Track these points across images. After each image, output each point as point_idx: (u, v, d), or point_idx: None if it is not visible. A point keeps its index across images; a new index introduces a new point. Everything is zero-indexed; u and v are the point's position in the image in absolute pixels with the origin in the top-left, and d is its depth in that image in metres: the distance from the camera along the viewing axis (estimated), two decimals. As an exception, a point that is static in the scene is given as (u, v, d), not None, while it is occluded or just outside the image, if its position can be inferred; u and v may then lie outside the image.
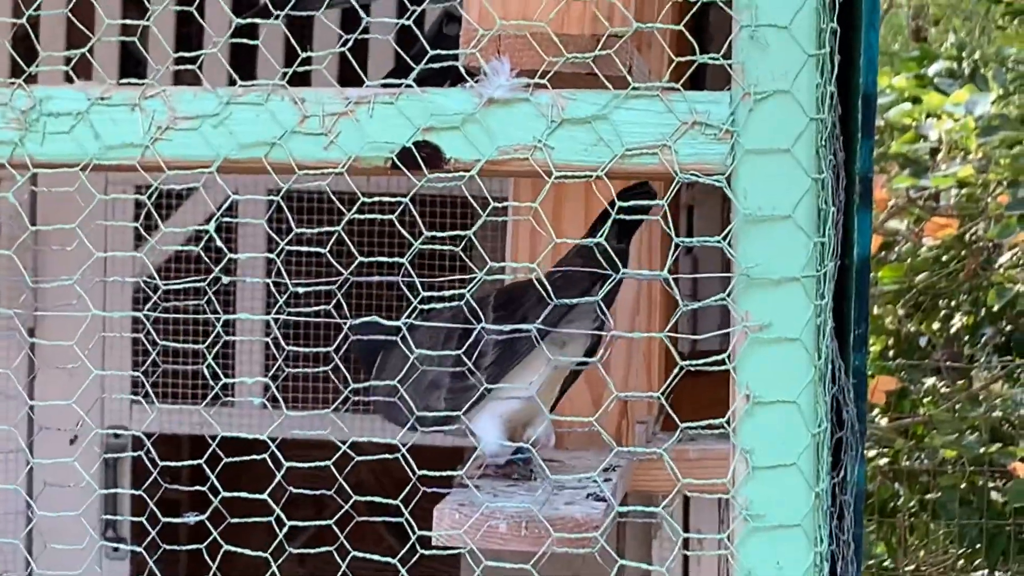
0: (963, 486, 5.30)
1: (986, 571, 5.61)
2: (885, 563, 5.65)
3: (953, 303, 5.64)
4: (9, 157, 1.00)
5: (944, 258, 5.42)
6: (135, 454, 1.49)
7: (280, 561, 1.05)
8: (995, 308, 5.37)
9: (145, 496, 1.05)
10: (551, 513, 1.12)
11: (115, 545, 2.76)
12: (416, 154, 0.99)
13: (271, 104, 1.00)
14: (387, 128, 0.99)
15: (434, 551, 1.09)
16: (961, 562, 5.56)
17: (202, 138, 1.00)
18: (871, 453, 5.18)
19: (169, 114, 1.00)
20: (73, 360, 1.19)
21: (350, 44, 1.07)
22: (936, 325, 5.77)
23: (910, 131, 5.32)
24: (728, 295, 0.98)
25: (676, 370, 1.09)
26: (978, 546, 5.38)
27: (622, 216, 1.09)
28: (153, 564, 1.18)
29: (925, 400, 5.89)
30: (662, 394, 1.16)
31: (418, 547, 1.03)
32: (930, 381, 5.80)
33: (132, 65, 2.77)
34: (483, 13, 1.09)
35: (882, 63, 6.31)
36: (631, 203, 1.07)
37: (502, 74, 1.00)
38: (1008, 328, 5.46)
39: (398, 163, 0.99)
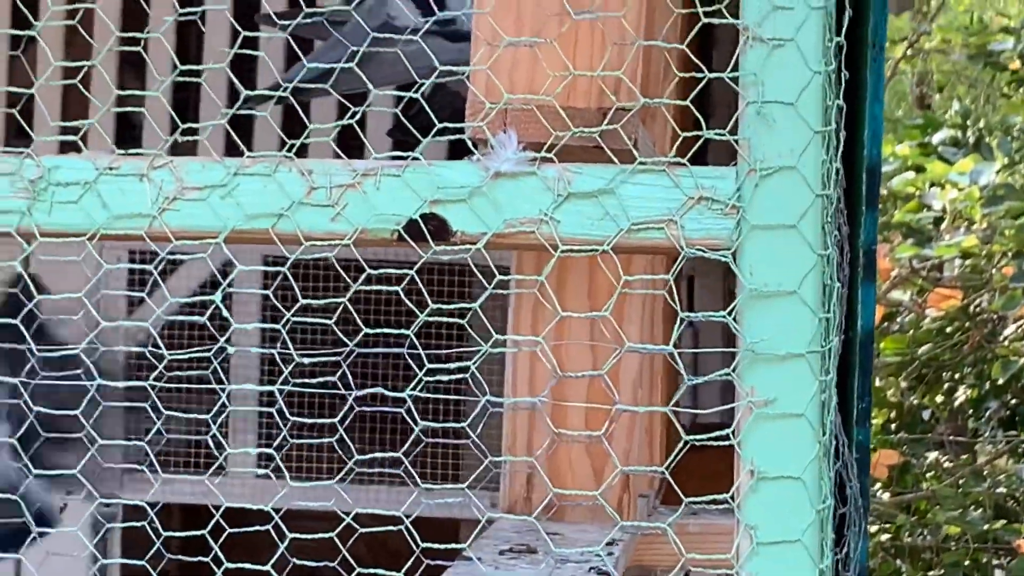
0: (967, 563, 5.28)
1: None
2: (889, 642, 5.62)
3: (957, 376, 5.65)
4: (17, 226, 1.02)
5: (948, 330, 5.45)
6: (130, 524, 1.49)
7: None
8: (1000, 381, 5.36)
9: (148, 566, 1.05)
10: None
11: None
12: (423, 226, 1.00)
13: (279, 175, 1.01)
14: (394, 200, 1.00)
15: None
16: (966, 641, 5.53)
17: (210, 208, 1.01)
18: (873, 528, 5.14)
19: (177, 184, 1.01)
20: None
21: (357, 117, 1.10)
22: (939, 398, 5.77)
23: (914, 200, 5.36)
24: (733, 370, 0.99)
25: (680, 445, 1.10)
26: (982, 624, 5.39)
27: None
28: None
29: (928, 475, 5.87)
30: (665, 469, 1.17)
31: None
32: (933, 455, 5.82)
33: (128, 128, 2.81)
34: (489, 86, 1.12)
35: (885, 131, 6.30)
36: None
37: (509, 147, 1.02)
38: (1013, 402, 5.47)
39: (405, 235, 1.00)
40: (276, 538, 0.99)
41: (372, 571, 1.02)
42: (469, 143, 1.06)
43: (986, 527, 5.24)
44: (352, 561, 1.06)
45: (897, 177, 5.52)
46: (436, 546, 1.05)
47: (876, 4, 1.87)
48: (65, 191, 1.02)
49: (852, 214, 1.61)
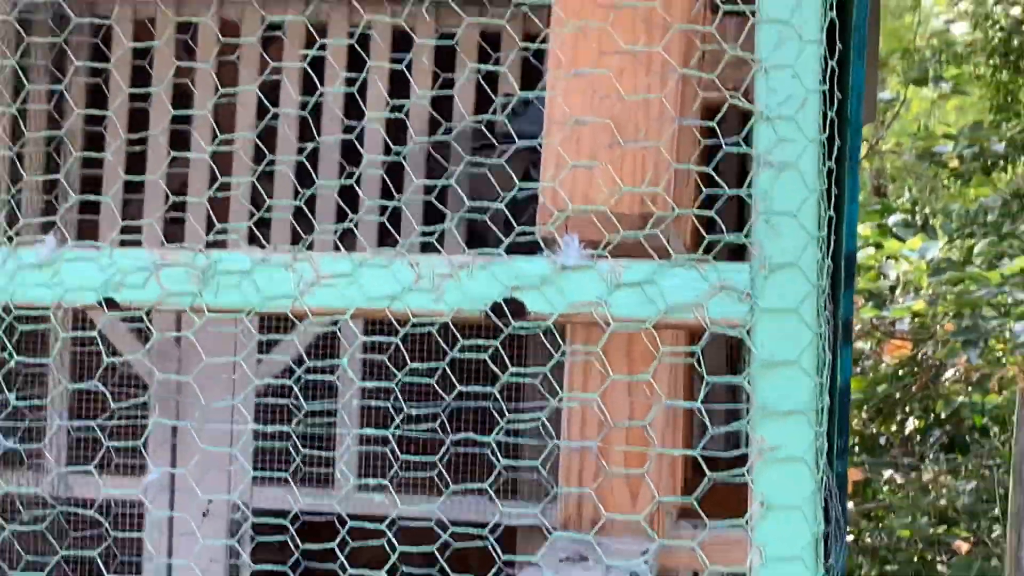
0: (915, 560, 5.52)
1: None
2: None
3: (907, 409, 5.80)
4: (190, 304, 1.08)
5: (900, 373, 5.65)
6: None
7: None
8: (942, 415, 5.66)
9: (288, 570, 1.08)
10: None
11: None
12: (505, 308, 1.06)
13: (393, 267, 1.08)
14: (483, 287, 1.06)
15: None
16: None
17: (339, 292, 1.09)
18: (841, 534, 5.36)
19: (314, 273, 1.08)
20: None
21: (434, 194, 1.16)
22: (893, 427, 6.01)
23: (873, 271, 5.46)
24: (747, 422, 1.03)
25: (705, 481, 1.12)
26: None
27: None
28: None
29: (884, 489, 6.12)
30: (695, 499, 1.19)
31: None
32: (888, 473, 5.99)
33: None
34: (556, 195, 1.17)
35: None
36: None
37: (572, 246, 1.06)
38: (952, 431, 5.50)
39: (491, 314, 1.06)
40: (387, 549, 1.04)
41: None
42: (540, 242, 1.09)
43: (931, 531, 5.48)
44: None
45: (860, 252, 5.45)
46: (511, 556, 1.08)
47: (853, 129, 1.92)
48: (228, 277, 1.10)
49: (834, 293, 1.64)
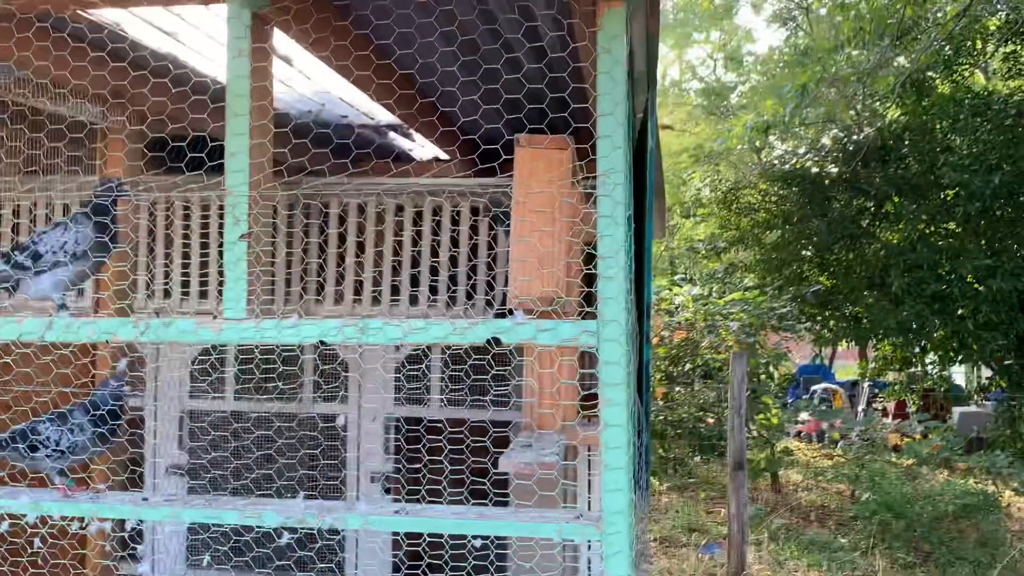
0: (691, 425, 10.61)
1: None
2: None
3: (686, 361, 10.54)
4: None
5: (682, 344, 10.48)
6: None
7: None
8: (699, 362, 10.68)
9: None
10: (541, 460, 2.36)
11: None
12: (492, 341, 2.26)
13: (444, 324, 2.29)
14: (484, 332, 2.15)
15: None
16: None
17: (426, 333, 2.28)
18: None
19: (408, 326, 2.29)
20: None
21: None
22: (679, 368, 10.82)
23: (667, 300, 10.67)
24: (599, 389, 2.26)
25: (582, 414, 2.40)
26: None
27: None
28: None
29: (676, 391, 10.86)
30: (576, 422, 2.47)
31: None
32: (677, 389, 10.83)
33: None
34: (515, 291, 2.40)
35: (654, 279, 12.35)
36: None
37: (519, 315, 2.24)
38: (704, 369, 10.80)
39: (488, 343, 2.25)
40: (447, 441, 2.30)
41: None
42: (509, 310, 2.31)
43: (696, 413, 10.61)
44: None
45: (661, 291, 10.92)
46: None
47: (648, 241, 3.22)
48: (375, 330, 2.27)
49: (641, 321, 2.92)
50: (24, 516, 2.22)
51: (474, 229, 3.96)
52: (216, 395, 4.27)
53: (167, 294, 4.26)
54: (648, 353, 3.07)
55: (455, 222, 3.81)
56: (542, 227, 2.27)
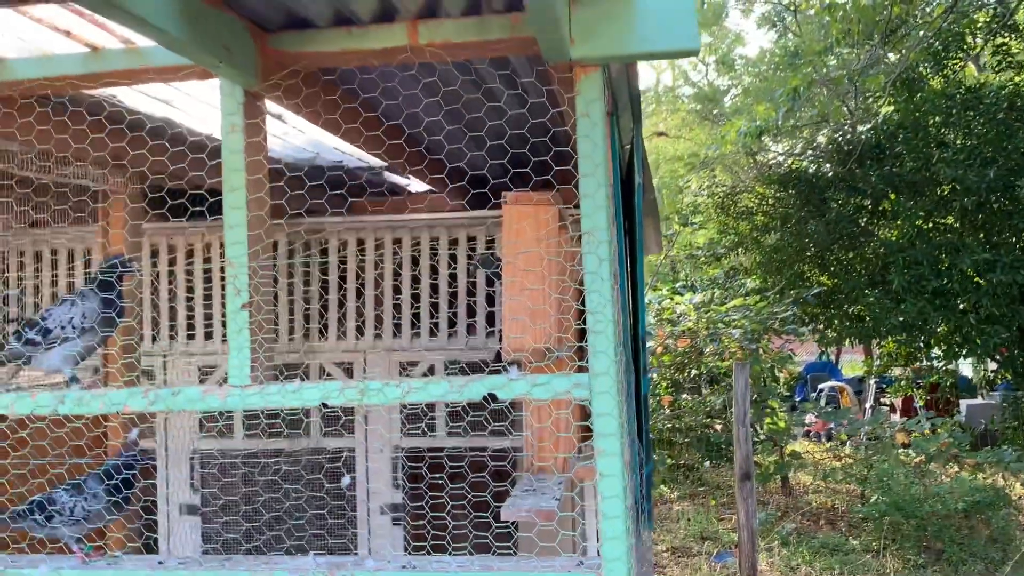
0: (698, 432, 10.89)
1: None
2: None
3: (691, 368, 10.64)
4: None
5: (686, 352, 10.34)
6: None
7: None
8: (704, 370, 10.94)
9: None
10: (540, 507, 2.44)
11: None
12: (489, 396, 2.35)
13: (449, 382, 2.38)
14: (481, 388, 2.27)
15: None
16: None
17: (430, 390, 2.37)
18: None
19: (415, 386, 2.38)
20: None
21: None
22: (685, 374, 11.07)
23: (669, 308, 10.66)
24: (594, 432, 2.35)
25: (580, 449, 2.48)
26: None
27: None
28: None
29: (684, 399, 11.21)
30: (579, 452, 2.55)
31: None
32: (684, 396, 11.16)
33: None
34: (507, 345, 2.50)
35: (663, 284, 14.04)
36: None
37: (513, 370, 2.35)
38: (710, 376, 11.25)
39: (485, 399, 2.35)
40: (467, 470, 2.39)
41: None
42: (504, 364, 2.40)
43: (703, 420, 10.86)
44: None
45: (663, 299, 11.30)
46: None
47: (640, 271, 3.32)
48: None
49: (636, 355, 3.02)
50: (45, 585, 2.31)
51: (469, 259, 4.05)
52: (225, 435, 4.36)
53: (172, 336, 4.36)
54: (646, 385, 3.16)
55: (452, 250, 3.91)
56: (532, 285, 2.36)
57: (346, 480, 3.52)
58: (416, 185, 4.84)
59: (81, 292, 2.50)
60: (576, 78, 2.22)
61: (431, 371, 4.17)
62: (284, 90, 2.38)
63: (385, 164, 4.00)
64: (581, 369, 2.29)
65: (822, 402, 13.85)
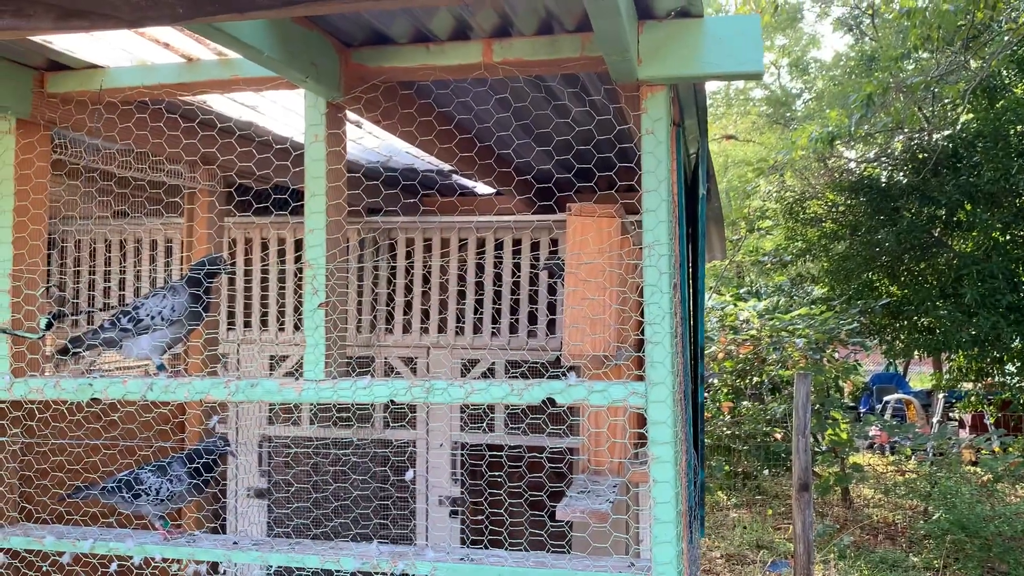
0: (757, 440, 10.49)
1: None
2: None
3: (752, 375, 10.65)
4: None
5: (748, 359, 10.46)
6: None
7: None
8: (766, 378, 10.63)
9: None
10: (594, 509, 2.54)
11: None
12: (547, 401, 2.45)
13: (510, 384, 2.50)
14: (541, 392, 2.39)
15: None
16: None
17: (488, 392, 2.49)
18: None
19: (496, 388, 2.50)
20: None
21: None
22: (747, 382, 10.97)
23: (732, 314, 10.72)
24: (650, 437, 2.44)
25: (637, 453, 2.57)
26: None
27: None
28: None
29: (745, 406, 11.05)
30: (635, 457, 2.64)
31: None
32: (745, 403, 10.96)
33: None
34: (568, 350, 2.60)
35: (725, 291, 14.16)
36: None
37: (572, 376, 2.43)
38: (772, 384, 10.72)
39: (544, 403, 2.43)
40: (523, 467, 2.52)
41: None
42: (564, 370, 2.50)
43: (764, 428, 10.47)
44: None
45: (725, 305, 11.44)
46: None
47: (702, 287, 3.37)
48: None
49: (696, 363, 3.08)
50: (131, 558, 2.50)
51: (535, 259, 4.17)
52: (293, 422, 4.56)
53: (247, 325, 4.57)
54: (702, 394, 3.23)
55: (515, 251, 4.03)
56: (592, 295, 2.45)
57: (410, 474, 3.68)
58: (483, 188, 4.97)
59: (172, 286, 2.68)
60: (643, 96, 2.30)
61: (491, 370, 4.29)
62: (365, 102, 2.51)
63: (455, 169, 4.13)
64: (639, 378, 2.36)
65: (887, 414, 13.57)
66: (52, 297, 4.19)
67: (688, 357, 3.13)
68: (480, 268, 4.24)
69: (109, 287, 4.48)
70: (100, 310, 4.26)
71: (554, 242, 4.13)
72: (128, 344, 2.67)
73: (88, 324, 4.28)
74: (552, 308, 3.94)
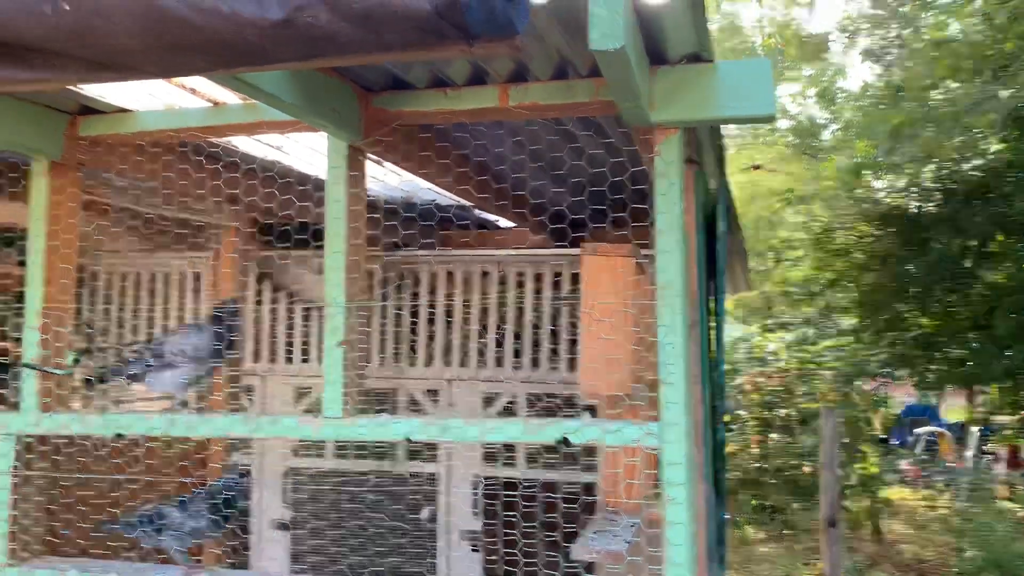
0: (785, 473, 10.60)
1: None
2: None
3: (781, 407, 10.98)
4: None
5: (776, 391, 10.74)
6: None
7: None
8: (793, 412, 10.93)
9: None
10: (609, 549, 2.54)
11: None
12: (563, 440, 2.45)
13: (525, 424, 2.52)
14: (555, 432, 2.43)
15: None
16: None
17: (509, 430, 2.51)
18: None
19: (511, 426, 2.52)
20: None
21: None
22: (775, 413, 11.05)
23: (759, 346, 11.18)
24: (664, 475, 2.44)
25: (655, 489, 2.57)
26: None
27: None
28: None
29: (773, 438, 11.10)
30: (648, 498, 2.64)
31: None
32: (774, 436, 11.01)
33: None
34: (584, 389, 2.62)
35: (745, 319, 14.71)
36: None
37: (587, 416, 2.49)
38: (799, 416, 10.90)
39: (560, 442, 2.45)
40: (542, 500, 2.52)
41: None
42: (583, 408, 2.52)
43: (792, 462, 10.50)
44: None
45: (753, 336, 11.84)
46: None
47: (721, 305, 3.38)
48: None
49: (714, 391, 3.09)
50: (152, 593, 2.54)
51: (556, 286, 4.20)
52: (319, 454, 4.60)
53: (272, 359, 4.63)
54: (722, 432, 3.22)
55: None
56: (608, 335, 2.48)
57: (425, 513, 3.71)
58: (504, 222, 5.03)
59: (196, 325, 2.75)
60: (656, 139, 2.34)
61: (513, 403, 4.31)
62: (384, 145, 2.57)
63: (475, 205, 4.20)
64: (654, 418, 2.37)
65: (919, 448, 13.36)
66: (84, 333, 4.29)
67: (708, 395, 3.13)
68: (502, 303, 4.28)
69: (136, 323, 4.57)
70: (127, 345, 4.34)
71: (576, 276, 4.17)
72: (151, 378, 2.73)
73: (115, 359, 4.38)
74: (572, 344, 3.96)
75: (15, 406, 2.78)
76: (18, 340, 2.76)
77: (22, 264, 2.79)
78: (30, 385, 2.75)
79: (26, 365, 2.71)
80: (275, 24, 1.56)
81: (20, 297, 2.81)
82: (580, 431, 2.35)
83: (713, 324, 3.84)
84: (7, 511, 2.70)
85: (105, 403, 3.67)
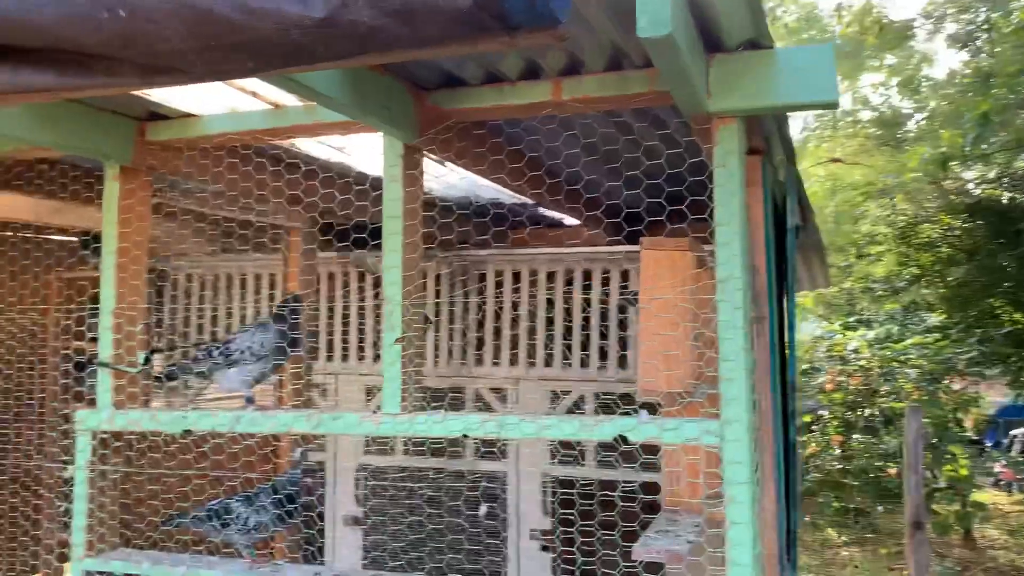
0: (870, 475, 10.32)
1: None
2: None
3: (864, 407, 10.71)
4: None
5: (859, 390, 10.55)
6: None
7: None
8: (877, 411, 10.73)
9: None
10: (670, 550, 2.49)
11: None
12: (620, 438, 2.42)
13: (584, 421, 2.49)
14: (613, 430, 2.32)
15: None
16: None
17: (564, 428, 2.49)
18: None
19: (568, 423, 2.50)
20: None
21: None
22: (858, 414, 10.88)
23: (840, 344, 10.90)
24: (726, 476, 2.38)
25: (717, 490, 2.51)
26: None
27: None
28: None
29: (855, 439, 10.90)
30: (708, 497, 2.58)
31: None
32: (856, 437, 10.83)
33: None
34: (642, 386, 2.57)
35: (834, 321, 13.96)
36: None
37: (643, 414, 2.42)
38: (884, 416, 10.68)
39: (617, 441, 2.42)
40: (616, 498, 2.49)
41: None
42: (639, 407, 2.48)
43: (876, 463, 10.36)
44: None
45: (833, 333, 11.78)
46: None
47: (792, 301, 3.27)
48: None
49: (784, 393, 2.98)
50: (218, 586, 2.59)
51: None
52: (389, 451, 4.64)
53: (345, 358, 4.70)
54: (793, 433, 3.12)
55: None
56: (665, 331, 2.43)
57: (483, 509, 3.71)
58: (570, 219, 4.99)
59: (261, 323, 2.80)
60: (714, 129, 2.28)
61: (581, 401, 4.28)
62: (439, 143, 2.58)
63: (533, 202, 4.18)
64: (714, 415, 2.31)
65: (1015, 449, 12.77)
66: (156, 333, 4.43)
67: (779, 394, 3.04)
68: (568, 300, 4.25)
69: (204, 323, 4.70)
70: (195, 345, 4.47)
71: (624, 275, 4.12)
72: (219, 376, 2.79)
73: (183, 358, 4.52)
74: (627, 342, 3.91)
75: (92, 403, 2.88)
76: (94, 340, 2.86)
77: (97, 267, 2.89)
78: (105, 383, 2.84)
79: (101, 364, 2.80)
80: (318, 22, 1.56)
81: (96, 299, 2.91)
82: (636, 429, 2.31)
83: (785, 321, 3.74)
84: (85, 504, 2.79)
85: (179, 400, 3.78)
